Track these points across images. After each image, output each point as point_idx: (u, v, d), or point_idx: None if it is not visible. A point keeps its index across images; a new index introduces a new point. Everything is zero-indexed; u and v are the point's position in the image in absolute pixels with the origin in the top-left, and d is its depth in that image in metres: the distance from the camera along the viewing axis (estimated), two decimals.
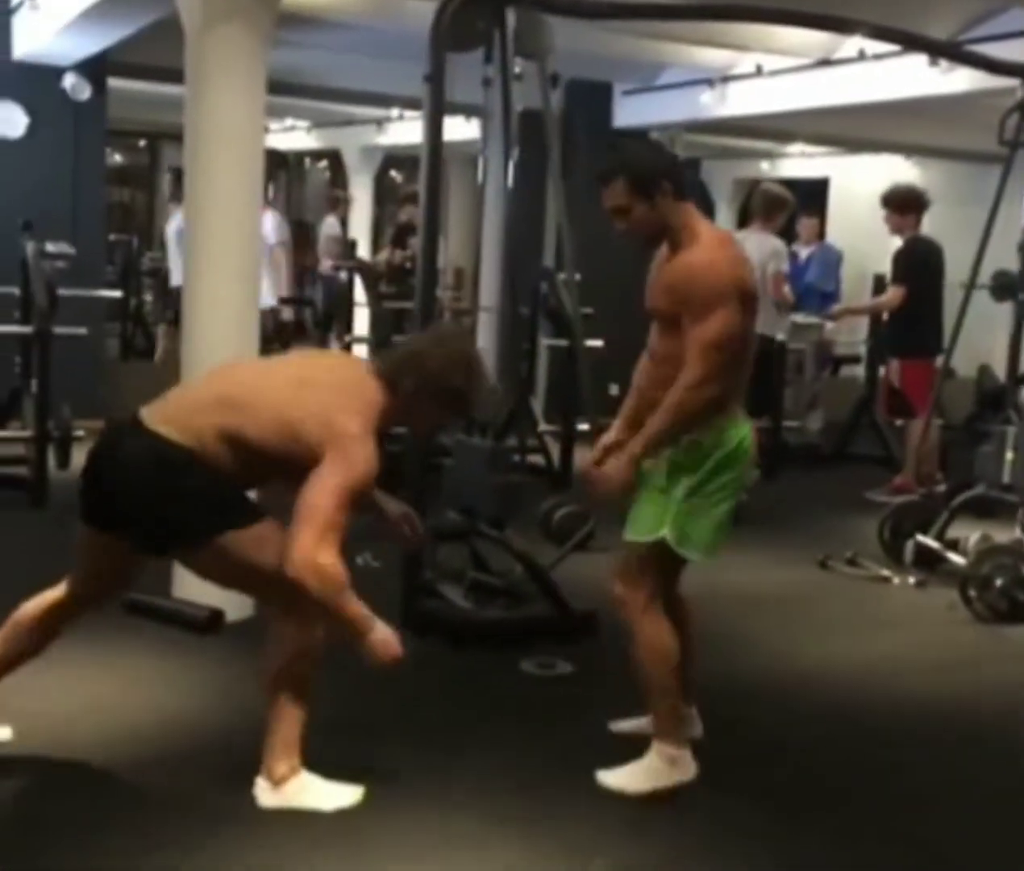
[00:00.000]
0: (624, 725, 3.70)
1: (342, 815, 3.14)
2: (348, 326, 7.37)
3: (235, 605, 4.41)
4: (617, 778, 3.37)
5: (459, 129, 7.01)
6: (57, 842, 2.96)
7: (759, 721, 3.96)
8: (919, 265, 7.08)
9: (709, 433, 3.24)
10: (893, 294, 7.18)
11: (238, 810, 3.14)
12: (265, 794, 3.15)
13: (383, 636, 3.02)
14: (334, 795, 3.19)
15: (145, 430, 3.02)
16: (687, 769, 3.39)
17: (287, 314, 8.37)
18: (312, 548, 2.87)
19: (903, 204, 7.10)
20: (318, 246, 11.56)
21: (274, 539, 3.01)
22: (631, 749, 3.67)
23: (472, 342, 3.61)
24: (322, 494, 2.90)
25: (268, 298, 7.76)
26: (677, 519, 3.28)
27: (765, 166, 12.61)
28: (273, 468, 3.07)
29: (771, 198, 7.01)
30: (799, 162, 12.22)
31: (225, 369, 3.43)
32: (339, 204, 11.55)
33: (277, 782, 3.15)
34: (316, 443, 2.94)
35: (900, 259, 7.15)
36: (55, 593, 3.33)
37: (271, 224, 8.26)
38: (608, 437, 3.52)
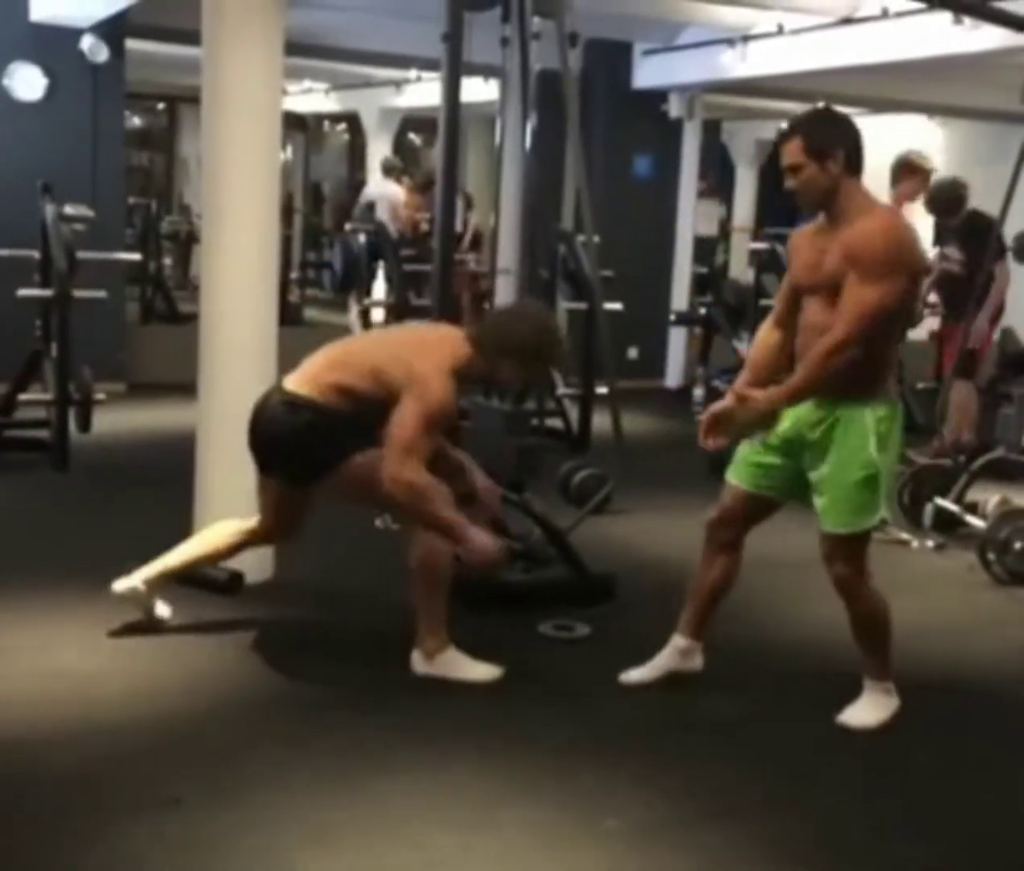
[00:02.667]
0: (634, 675, 3.83)
1: (341, 780, 3.17)
2: (367, 289, 7.36)
3: (255, 568, 4.46)
4: (856, 717, 3.61)
5: (478, 90, 6.97)
6: (77, 791, 3.00)
7: (773, 682, 3.97)
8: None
9: (892, 405, 3.45)
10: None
11: (257, 767, 3.18)
12: (419, 663, 3.77)
13: (477, 541, 3.59)
14: (477, 670, 3.75)
15: (283, 391, 3.73)
16: (895, 699, 3.67)
17: None
18: (397, 467, 3.51)
19: (948, 206, 6.91)
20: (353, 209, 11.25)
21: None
22: (647, 711, 3.68)
23: (550, 314, 4.17)
24: (402, 422, 3.52)
25: None
26: (885, 495, 3.48)
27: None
28: (377, 411, 3.60)
29: None
30: None
31: (340, 343, 4.02)
32: (393, 172, 10.80)
33: (428, 654, 3.74)
34: (399, 385, 3.57)
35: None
36: (248, 523, 4.01)
37: None
38: (716, 406, 3.59)
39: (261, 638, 4.09)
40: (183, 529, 4.45)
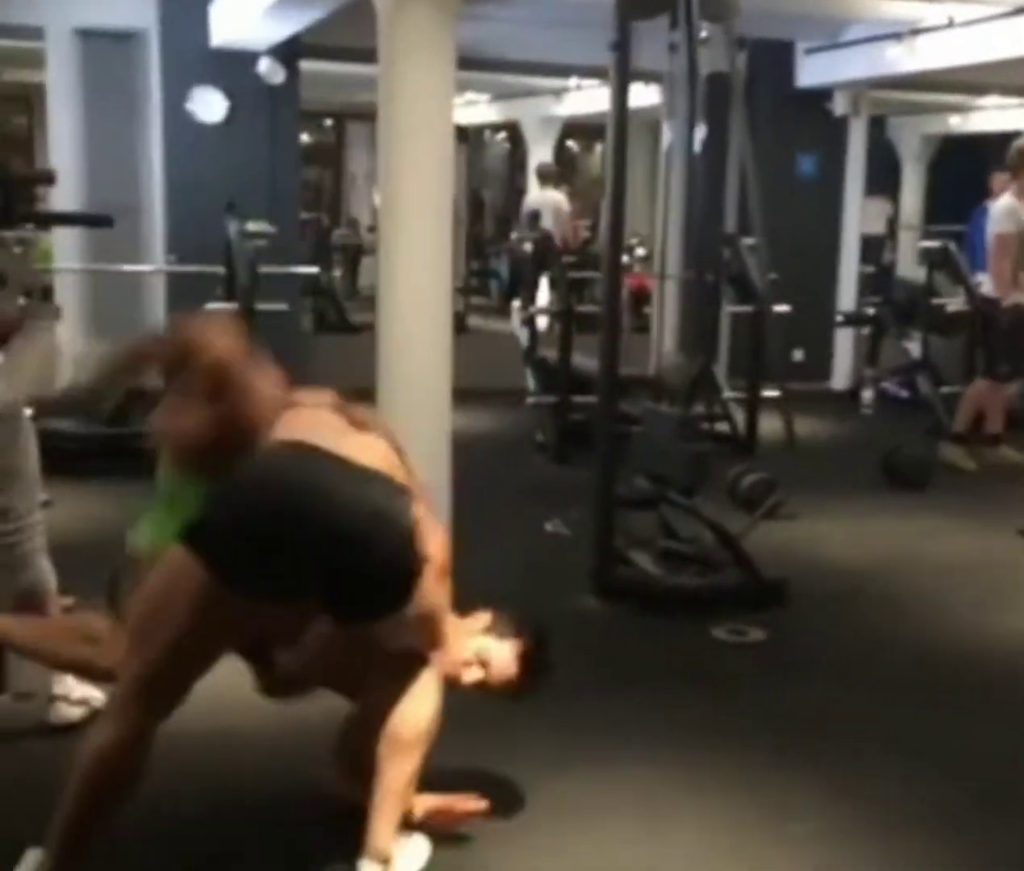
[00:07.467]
0: None
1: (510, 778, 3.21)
2: (532, 297, 7.45)
3: None
4: None
5: (638, 95, 6.98)
6: None
7: (942, 687, 3.89)
8: None
9: None
10: None
11: None
12: None
13: None
14: None
15: None
16: None
17: None
18: None
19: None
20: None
21: None
22: (820, 718, 3.66)
23: None
24: None
25: None
26: None
27: (955, 121, 12.13)
28: None
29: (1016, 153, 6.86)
30: (992, 115, 11.71)
31: None
32: (550, 179, 10.80)
33: None
34: None
35: None
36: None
37: None
38: None
39: None
40: None
